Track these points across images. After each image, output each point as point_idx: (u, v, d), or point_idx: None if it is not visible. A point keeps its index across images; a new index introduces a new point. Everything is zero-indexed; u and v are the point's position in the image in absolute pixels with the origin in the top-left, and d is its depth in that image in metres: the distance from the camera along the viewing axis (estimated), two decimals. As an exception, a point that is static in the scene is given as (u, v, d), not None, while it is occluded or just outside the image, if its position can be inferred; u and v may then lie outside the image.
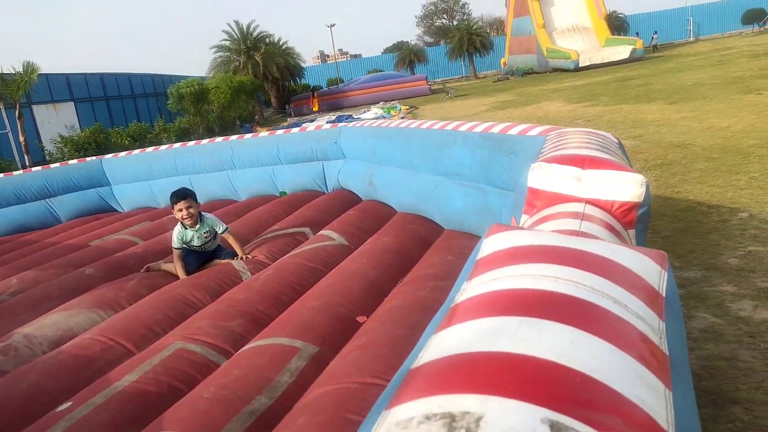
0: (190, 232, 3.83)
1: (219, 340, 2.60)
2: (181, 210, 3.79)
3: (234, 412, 1.92)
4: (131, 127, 18.11)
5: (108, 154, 7.57)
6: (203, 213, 3.95)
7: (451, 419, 0.64)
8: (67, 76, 22.78)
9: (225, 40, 28.64)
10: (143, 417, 2.05)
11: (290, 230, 4.40)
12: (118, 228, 5.68)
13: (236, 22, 28.59)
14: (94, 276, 3.90)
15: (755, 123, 7.85)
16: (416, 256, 3.56)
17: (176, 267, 3.83)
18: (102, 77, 24.94)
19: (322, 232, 4.21)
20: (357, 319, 2.74)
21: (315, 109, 26.81)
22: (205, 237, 3.89)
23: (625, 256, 1.06)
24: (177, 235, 3.83)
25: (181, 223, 3.84)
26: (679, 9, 44.92)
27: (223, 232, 3.94)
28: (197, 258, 3.94)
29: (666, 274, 1.07)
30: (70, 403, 2.15)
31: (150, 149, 7.11)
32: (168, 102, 20.47)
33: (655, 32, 37.15)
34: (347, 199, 5.33)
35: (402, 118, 14.17)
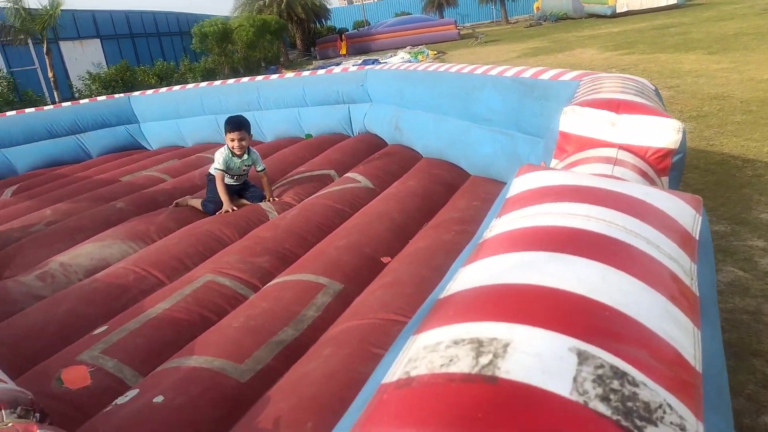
0: (236, 160, 3.89)
1: (247, 274, 2.67)
2: (233, 140, 3.83)
3: (262, 341, 2.00)
4: (157, 65, 18.04)
5: (135, 92, 7.59)
6: (250, 147, 4.00)
7: (479, 344, 0.65)
8: (93, 12, 22.62)
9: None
10: (176, 342, 2.14)
11: (316, 172, 4.42)
12: (147, 165, 5.77)
13: (261, -41, 27.86)
14: (125, 210, 3.99)
15: (799, 75, 7.52)
16: (442, 200, 3.56)
17: (219, 188, 3.83)
18: (127, 14, 24.70)
19: (348, 174, 4.22)
20: (381, 259, 2.78)
21: (342, 52, 26.23)
22: (245, 170, 3.97)
23: (660, 198, 1.05)
24: (223, 158, 3.85)
25: (231, 149, 3.87)
26: (728, -48, 42.32)
27: (260, 171, 4.00)
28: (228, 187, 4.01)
29: (700, 218, 1.06)
30: (105, 327, 2.26)
31: (177, 88, 7.12)
32: (192, 42, 20.28)
33: None
34: (373, 143, 5.30)
35: (430, 63, 13.85)
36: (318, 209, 3.44)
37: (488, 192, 3.45)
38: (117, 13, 24.10)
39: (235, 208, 3.81)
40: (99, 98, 7.47)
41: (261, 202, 3.97)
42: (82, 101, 7.39)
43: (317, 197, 3.74)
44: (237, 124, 3.84)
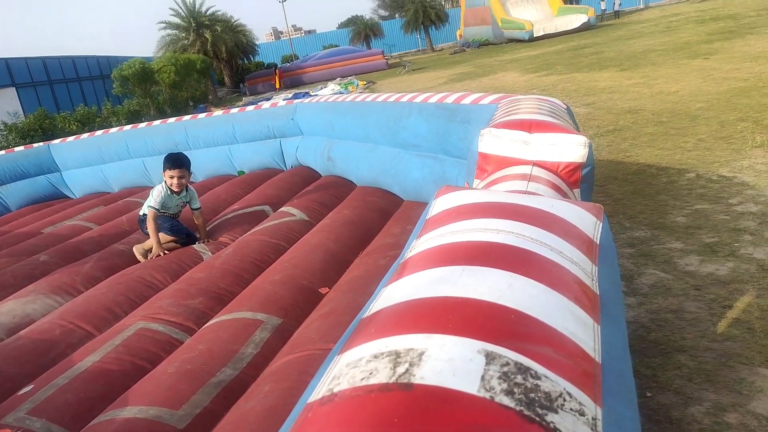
0: (174, 197, 3.84)
1: (181, 318, 2.61)
2: (173, 177, 3.78)
3: (200, 384, 1.95)
4: (78, 111, 17.45)
5: (56, 140, 7.32)
6: (188, 184, 3.98)
7: (396, 356, 0.69)
8: (6, 60, 21.72)
9: (172, 15, 27.76)
10: (108, 394, 2.06)
11: (250, 209, 4.39)
12: (71, 214, 5.55)
13: (183, 0, 27.72)
14: (48, 262, 3.82)
15: (702, 87, 8.13)
16: (376, 227, 3.61)
17: (151, 227, 3.71)
18: (44, 60, 23.88)
19: (282, 208, 4.21)
20: (319, 290, 2.79)
21: (278, 86, 26.28)
22: (181, 207, 3.94)
23: (563, 209, 1.13)
24: (160, 197, 3.77)
25: (169, 187, 3.80)
26: (629, -23, 45.61)
27: (196, 209, 3.97)
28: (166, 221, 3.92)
29: (601, 224, 1.14)
30: (32, 386, 2.15)
31: (99, 133, 6.92)
32: (113, 86, 19.79)
33: None
34: (306, 176, 5.32)
35: (360, 93, 14.08)
36: (253, 245, 3.41)
37: (420, 216, 3.53)
38: (33, 60, 23.24)
39: (167, 251, 3.72)
40: (17, 149, 7.15)
41: (192, 243, 3.89)
42: (-2, 153, 7.05)
43: (252, 234, 3.71)
44: (177, 162, 3.80)
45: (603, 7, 35.42)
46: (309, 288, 2.76)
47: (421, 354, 0.68)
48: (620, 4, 36.54)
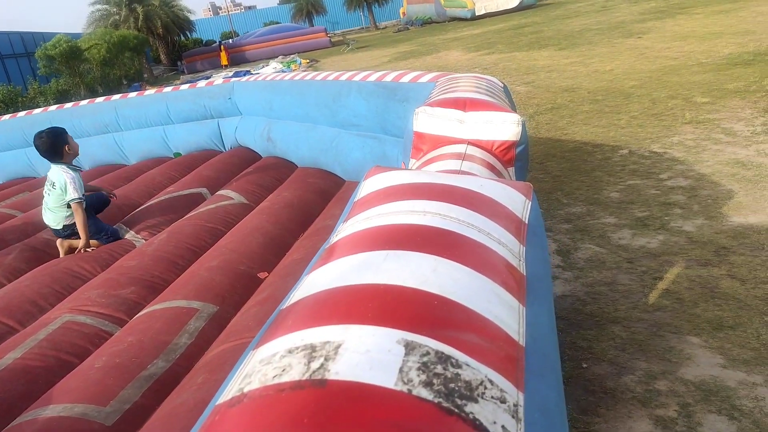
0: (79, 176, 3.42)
1: (111, 309, 2.49)
2: (77, 146, 3.45)
3: (129, 378, 1.87)
4: (0, 90, 16.38)
5: (-26, 121, 6.84)
6: None
7: (311, 350, 0.65)
8: None
9: (102, -11, 26.35)
10: (31, 393, 1.94)
11: (186, 192, 4.23)
12: (-8, 201, 5.22)
13: (115, -29, 26.33)
14: (-33, 254, 3.57)
15: (635, 65, 8.37)
16: (317, 209, 3.55)
17: (80, 224, 3.30)
18: (-39, 36, 22.23)
19: (220, 192, 4.08)
20: (258, 275, 2.72)
21: (224, 63, 25.40)
22: None
23: (492, 188, 1.11)
24: (78, 181, 3.33)
25: (74, 166, 3.42)
26: (567, -43, 46.42)
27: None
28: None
29: (530, 203, 1.14)
30: (-57, 389, 2.00)
31: (22, 114, 6.50)
32: (38, 65, 18.63)
33: None
34: (246, 157, 5.18)
35: (303, 72, 13.80)
36: (188, 230, 3.29)
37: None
38: (-53, 36, 21.58)
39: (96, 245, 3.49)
40: (-71, 131, 6.64)
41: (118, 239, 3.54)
42: None
43: (188, 218, 3.58)
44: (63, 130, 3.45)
45: None
46: (247, 273, 2.69)
47: (338, 347, 0.65)
48: None
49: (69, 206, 3.35)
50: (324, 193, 3.82)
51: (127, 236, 3.55)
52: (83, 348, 2.23)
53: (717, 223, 3.31)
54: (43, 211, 3.47)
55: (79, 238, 3.38)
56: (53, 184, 3.35)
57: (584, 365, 2.37)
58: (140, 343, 2.05)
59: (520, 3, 26.90)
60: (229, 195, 3.92)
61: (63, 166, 3.37)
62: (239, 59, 26.32)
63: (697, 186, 3.85)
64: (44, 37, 24.18)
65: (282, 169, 4.59)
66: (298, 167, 4.63)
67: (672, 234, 3.29)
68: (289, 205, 3.50)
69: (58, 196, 3.34)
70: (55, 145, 3.35)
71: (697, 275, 2.84)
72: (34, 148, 5.60)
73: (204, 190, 4.28)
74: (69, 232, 3.43)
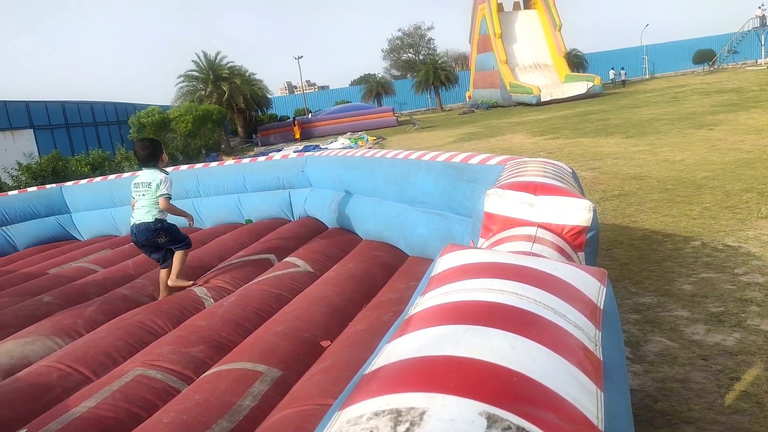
0: None
1: (180, 366, 2.58)
2: (167, 158, 4.01)
3: (194, 436, 1.91)
4: (92, 154, 17.79)
5: (68, 182, 7.45)
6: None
7: (397, 414, 0.69)
8: (26, 103, 22.36)
9: (193, 70, 28.67)
10: (101, 443, 2.02)
11: (254, 257, 4.40)
12: (77, 256, 5.58)
13: (204, 53, 28.72)
14: (51, 304, 3.82)
15: (707, 156, 8.23)
16: (381, 281, 3.61)
17: (176, 212, 3.87)
18: (63, 105, 24.55)
19: (287, 259, 4.23)
20: (321, 343, 2.76)
21: (297, 136, 26.87)
22: None
23: (567, 272, 1.14)
24: (171, 182, 3.86)
25: (166, 171, 3.89)
26: (635, 48, 47.01)
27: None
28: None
29: (605, 289, 1.15)
30: (24, 430, 2.11)
31: (112, 177, 7.04)
32: (129, 131, 20.26)
33: (623, 68, 38.70)
34: (313, 227, 5.36)
35: (369, 148, 14.33)
36: (256, 295, 3.41)
37: (425, 272, 3.53)
38: (53, 104, 23.90)
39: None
40: (30, 189, 7.28)
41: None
42: (10, 192, 7.16)
43: (256, 283, 3.71)
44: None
45: (612, 76, 36.40)
46: (310, 341, 2.74)
47: (423, 413, 0.68)
48: (626, 74, 37.67)
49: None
50: (388, 267, 3.88)
51: (199, 293, 3.72)
52: (152, 402, 2.31)
53: (798, 324, 3.13)
54: (134, 214, 3.83)
55: (179, 249, 3.89)
56: (149, 184, 3.77)
57: (655, 467, 2.24)
58: (206, 402, 2.11)
59: (588, 90, 27.20)
60: (296, 263, 4.05)
61: (158, 170, 3.83)
62: (309, 134, 27.67)
63: (776, 283, 3.67)
64: (135, 107, 26.36)
65: (347, 240, 4.72)
66: (363, 240, 4.75)
67: (749, 332, 3.12)
68: (353, 277, 3.58)
69: (154, 193, 3.75)
70: (154, 151, 3.84)
71: (779, 378, 2.67)
72: (117, 209, 6.09)
73: (272, 257, 4.44)
74: (159, 226, 3.81)
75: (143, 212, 3.77)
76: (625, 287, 3.96)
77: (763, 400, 2.52)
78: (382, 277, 3.68)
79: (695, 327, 3.28)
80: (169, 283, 3.85)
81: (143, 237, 3.79)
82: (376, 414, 0.70)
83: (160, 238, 3.83)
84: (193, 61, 28.70)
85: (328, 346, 2.71)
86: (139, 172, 3.93)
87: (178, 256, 3.87)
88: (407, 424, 0.66)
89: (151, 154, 3.81)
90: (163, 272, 3.90)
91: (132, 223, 3.82)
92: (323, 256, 4.25)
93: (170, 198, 3.80)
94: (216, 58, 28.86)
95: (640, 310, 3.60)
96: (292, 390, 2.22)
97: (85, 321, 3.43)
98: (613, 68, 38.62)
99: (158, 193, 3.74)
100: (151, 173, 3.78)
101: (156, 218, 3.78)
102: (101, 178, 7.20)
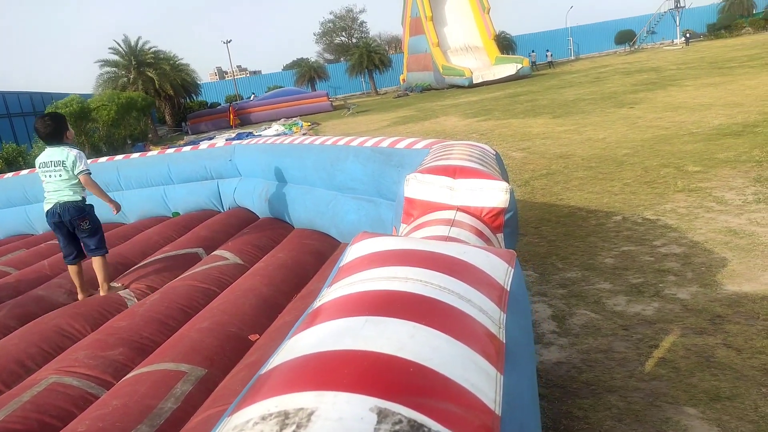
0: None
1: (98, 371, 2.45)
2: (73, 133, 3.70)
3: (110, 443, 1.82)
4: (5, 148, 16.66)
5: (-23, 178, 6.93)
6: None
7: (284, 417, 0.65)
8: (-71, 93, 20.63)
9: (111, 52, 27.26)
10: (7, 459, 1.89)
11: (181, 251, 4.24)
12: (-12, 258, 5.22)
13: (124, 36, 27.36)
14: (-43, 311, 3.54)
15: (628, 134, 8.59)
16: (312, 270, 3.56)
17: (99, 193, 3.62)
18: (-28, 95, 22.83)
19: (215, 252, 4.10)
20: (249, 337, 2.69)
21: (232, 123, 26.07)
22: None
23: (475, 255, 1.14)
24: (84, 158, 3.62)
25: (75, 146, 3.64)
26: (561, 29, 48.42)
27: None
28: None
29: (512, 270, 1.15)
30: None
31: (25, 172, 6.60)
32: (47, 123, 19.07)
33: (548, 50, 39.75)
34: (244, 218, 5.23)
35: (304, 134, 14.10)
36: (181, 291, 3.28)
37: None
38: (-41, 95, 22.16)
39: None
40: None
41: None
42: None
43: (181, 279, 3.57)
44: None
45: (533, 60, 37.25)
46: (238, 335, 2.66)
47: (311, 414, 0.65)
48: (552, 56, 38.79)
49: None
50: (319, 255, 3.84)
51: (122, 293, 3.54)
52: (68, 411, 2.18)
53: (711, 291, 3.31)
54: (49, 197, 3.53)
55: (96, 255, 3.58)
56: (61, 163, 3.49)
57: (579, 436, 2.32)
58: (125, 407, 2.01)
59: (517, 72, 27.85)
60: (224, 255, 3.94)
61: (67, 146, 3.55)
62: (247, 120, 27.01)
63: (691, 253, 3.87)
64: (53, 97, 24.82)
65: (278, 230, 4.63)
66: (295, 228, 4.67)
67: (667, 301, 3.28)
68: (283, 266, 3.51)
69: (68, 172, 3.49)
70: (58, 128, 3.56)
71: (693, 344, 2.82)
72: (32, 206, 5.71)
73: (200, 250, 4.29)
74: (87, 208, 3.60)
75: (65, 193, 3.50)
76: (553, 263, 4.08)
77: (680, 365, 2.66)
78: (313, 265, 3.64)
79: (617, 298, 3.42)
80: (101, 293, 3.59)
81: (70, 216, 3.49)
82: (263, 418, 0.67)
83: (84, 223, 3.56)
84: (110, 48, 27.30)
85: (257, 339, 2.65)
86: (45, 150, 3.59)
87: (97, 263, 3.58)
88: (293, 427, 0.63)
89: (54, 131, 3.52)
90: (73, 268, 3.62)
91: (54, 203, 3.50)
92: (253, 247, 4.15)
93: (91, 174, 3.57)
94: (137, 43, 27.56)
95: (566, 284, 3.72)
96: (217, 388, 2.15)
97: (-6, 328, 3.20)
98: (533, 51, 39.55)
99: (77, 171, 3.49)
100: (61, 150, 3.50)
101: (82, 197, 3.57)
102: (12, 174, 6.75)
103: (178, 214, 5.86)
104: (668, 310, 3.17)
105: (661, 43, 42.96)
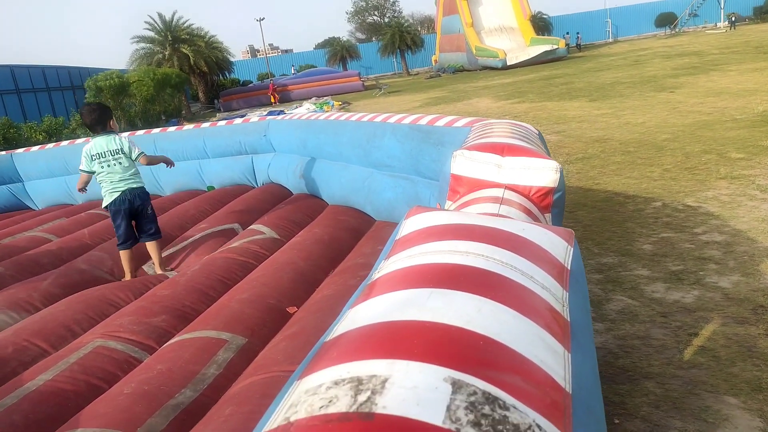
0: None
1: (141, 336, 2.52)
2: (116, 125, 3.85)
3: (157, 406, 1.87)
4: (45, 121, 17.05)
5: (19, 149, 7.12)
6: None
7: (358, 383, 0.65)
8: (-27, 67, 21.19)
9: (147, 29, 27.50)
10: (59, 416, 1.96)
11: (219, 228, 4.30)
12: (31, 225, 5.37)
13: (159, 14, 27.54)
14: (4, 275, 3.67)
15: (668, 119, 8.36)
16: (347, 246, 3.57)
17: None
18: (12, 69, 23.32)
19: (252, 226, 4.14)
20: (287, 309, 2.72)
21: (273, 100, 26.13)
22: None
23: (534, 233, 1.12)
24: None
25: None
26: (599, 11, 47.11)
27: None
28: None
29: (572, 249, 1.13)
30: (-24, 407, 2.03)
31: (65, 143, 6.75)
32: (85, 96, 19.44)
33: (578, 33, 38.79)
34: (278, 193, 5.26)
35: (334, 113, 14.07)
36: (220, 263, 3.33)
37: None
38: (1, 68, 22.69)
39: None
40: (-23, 157, 6.94)
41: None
42: (-43, 161, 6.81)
43: (220, 252, 3.63)
44: None
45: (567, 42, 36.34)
46: (276, 307, 2.70)
47: (385, 381, 0.65)
48: (581, 38, 37.78)
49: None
50: (355, 231, 3.84)
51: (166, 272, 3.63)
52: (113, 373, 2.25)
53: (754, 281, 3.23)
54: (115, 186, 3.63)
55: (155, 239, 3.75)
56: (119, 151, 3.62)
57: (616, 420, 2.30)
58: (169, 372, 2.06)
59: (553, 53, 27.20)
60: (261, 230, 3.98)
61: (114, 134, 3.67)
62: (287, 97, 27.08)
63: (733, 242, 3.77)
64: (89, 72, 25.25)
65: (313, 206, 4.65)
66: (329, 205, 4.68)
67: (707, 289, 3.21)
68: (319, 242, 3.53)
69: (128, 158, 3.64)
70: (103, 116, 3.67)
71: (734, 333, 2.75)
72: (72, 177, 5.85)
73: (236, 226, 4.34)
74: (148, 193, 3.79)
75: (132, 180, 3.66)
76: (588, 248, 4.02)
77: (720, 354, 2.61)
78: (348, 241, 3.65)
79: (655, 285, 3.36)
80: (157, 271, 3.74)
81: (141, 201, 3.68)
82: (336, 383, 0.67)
83: (150, 207, 3.76)
84: (146, 23, 27.51)
85: (295, 312, 2.68)
86: (90, 142, 3.66)
87: (156, 246, 3.75)
88: (368, 393, 0.63)
89: (100, 119, 3.62)
90: (127, 253, 3.72)
91: (122, 191, 3.61)
92: (289, 222, 4.18)
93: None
94: (173, 19, 27.73)
95: (602, 270, 3.67)
96: (257, 357, 2.18)
97: (41, 294, 3.30)
98: (567, 33, 38.53)
99: (135, 154, 3.64)
100: (113, 139, 3.62)
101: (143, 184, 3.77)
102: (53, 144, 6.90)
103: (213, 188, 5.94)
104: (708, 299, 3.11)
105: (703, 27, 41.48)
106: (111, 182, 3.61)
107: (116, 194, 3.61)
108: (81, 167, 3.67)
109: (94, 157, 3.59)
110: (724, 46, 21.07)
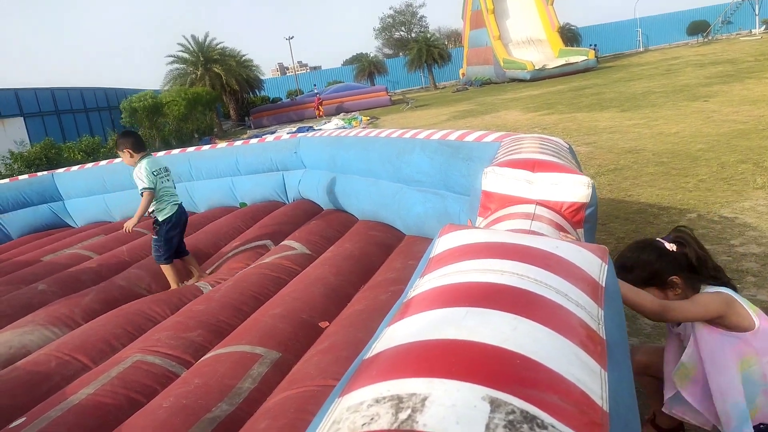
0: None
1: (179, 350, 2.58)
2: None
3: (194, 419, 1.91)
4: (83, 141, 17.60)
5: (60, 169, 7.38)
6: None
7: (398, 401, 0.67)
8: (15, 91, 22.04)
9: (181, 51, 28.26)
10: (100, 429, 2.02)
11: (251, 245, 4.38)
12: (71, 243, 5.54)
13: (192, 36, 28.29)
14: (46, 292, 3.80)
15: (702, 128, 8.20)
16: (378, 261, 3.59)
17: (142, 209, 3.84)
18: (53, 92, 24.20)
19: (283, 242, 4.21)
20: (319, 324, 2.76)
21: (319, 114, 26.41)
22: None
23: (568, 250, 1.12)
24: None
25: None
26: (629, 20, 46.59)
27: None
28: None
29: (606, 266, 1.13)
30: (24, 418, 2.10)
31: (104, 163, 6.97)
32: (121, 116, 20.05)
33: (595, 45, 38.10)
34: (308, 209, 5.33)
35: (363, 128, 14.19)
36: (253, 279, 3.40)
37: (422, 251, 3.48)
38: (42, 91, 23.56)
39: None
40: (21, 177, 7.21)
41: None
42: (2, 181, 7.09)
43: (252, 267, 3.70)
44: None
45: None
46: (309, 322, 2.73)
47: (424, 399, 0.66)
48: (598, 49, 37.19)
49: None
50: (385, 246, 3.87)
51: (199, 284, 3.71)
52: (151, 387, 2.31)
53: (795, 295, 3.14)
54: (174, 198, 3.88)
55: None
56: (167, 168, 3.92)
57: (655, 439, 2.25)
58: (206, 386, 2.11)
59: (582, 64, 26.95)
60: (292, 245, 4.03)
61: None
62: (304, 115, 27.43)
63: (772, 254, 3.67)
64: (125, 93, 26.00)
65: (343, 221, 4.69)
66: (359, 220, 4.72)
67: (747, 303, 3.13)
68: (350, 257, 3.57)
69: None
70: (140, 140, 3.90)
71: (776, 349, 2.68)
72: (110, 195, 6.02)
73: (268, 242, 4.42)
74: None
75: (178, 196, 3.95)
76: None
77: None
78: (379, 256, 3.67)
79: (692, 300, 3.29)
80: (197, 281, 3.92)
81: (186, 216, 3.98)
82: (377, 401, 0.69)
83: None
84: (179, 44, 28.26)
85: (327, 327, 2.71)
86: (144, 161, 3.80)
87: (192, 258, 4.08)
88: (409, 411, 0.65)
89: (139, 143, 3.87)
90: (177, 263, 3.96)
91: (179, 204, 3.90)
92: (320, 238, 4.23)
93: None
94: (205, 41, 28.44)
95: (637, 284, 3.60)
96: (291, 371, 2.22)
97: (82, 310, 3.42)
98: (595, 45, 38.06)
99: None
100: (160, 159, 3.94)
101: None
102: (92, 164, 7.13)
103: (245, 204, 6.05)
104: (748, 313, 3.03)
105: (737, 34, 40.60)
106: (171, 195, 3.84)
107: (176, 207, 3.84)
108: (145, 185, 3.67)
109: (155, 173, 3.75)
110: (760, 53, 20.59)
